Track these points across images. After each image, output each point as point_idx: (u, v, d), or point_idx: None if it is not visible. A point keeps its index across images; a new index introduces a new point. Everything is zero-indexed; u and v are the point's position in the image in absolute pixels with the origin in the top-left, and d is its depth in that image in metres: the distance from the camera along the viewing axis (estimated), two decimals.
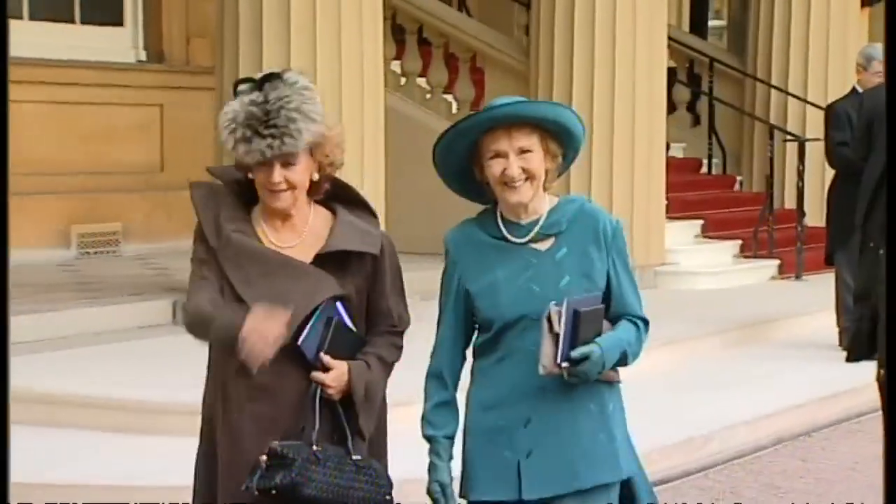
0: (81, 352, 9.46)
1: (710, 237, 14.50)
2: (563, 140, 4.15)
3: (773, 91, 15.18)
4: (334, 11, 10.45)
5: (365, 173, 10.69)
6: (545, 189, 4.14)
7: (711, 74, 15.88)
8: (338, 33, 10.51)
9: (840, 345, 10.77)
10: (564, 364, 3.85)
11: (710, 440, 8.78)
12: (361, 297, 4.24)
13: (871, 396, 9.86)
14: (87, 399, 8.41)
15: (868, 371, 10.22)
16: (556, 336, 3.84)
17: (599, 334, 3.99)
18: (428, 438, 4.20)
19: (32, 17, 12.34)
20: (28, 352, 8.95)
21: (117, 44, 13.07)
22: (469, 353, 4.36)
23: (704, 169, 15.73)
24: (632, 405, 8.61)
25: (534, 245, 4.12)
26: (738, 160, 15.97)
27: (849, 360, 8.53)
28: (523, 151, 4.03)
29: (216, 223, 4.11)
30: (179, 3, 13.08)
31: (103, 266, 12.00)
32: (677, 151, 15.14)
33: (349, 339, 4.11)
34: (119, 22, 12.98)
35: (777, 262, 14.22)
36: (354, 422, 4.14)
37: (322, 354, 4.03)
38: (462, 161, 4.15)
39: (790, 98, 14.93)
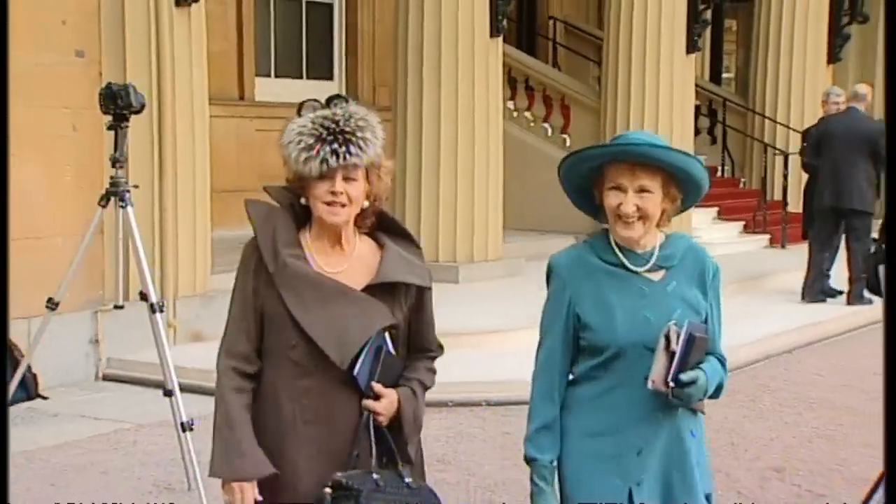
0: None
1: (722, 219, 14.33)
2: (686, 186, 3.09)
3: (766, 120, 15.05)
4: (470, 66, 10.48)
5: (489, 175, 10.74)
6: (658, 227, 3.11)
7: (724, 110, 15.72)
8: (472, 83, 10.54)
9: (808, 294, 10.81)
10: (672, 384, 2.94)
11: (727, 355, 8.73)
12: (405, 324, 3.19)
13: (831, 327, 10.08)
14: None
15: (826, 310, 10.46)
16: (672, 354, 2.94)
17: (701, 364, 3.03)
18: (531, 461, 3.14)
19: (277, 75, 12.51)
20: None
21: (329, 91, 13.21)
22: None
23: (719, 173, 15.38)
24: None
25: (647, 275, 3.09)
26: (742, 167, 15.77)
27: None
28: (643, 190, 3.00)
29: (274, 247, 3.05)
30: (368, 64, 13.15)
31: None
32: (702, 160, 14.91)
33: (394, 367, 3.12)
34: (330, 77, 13.06)
35: (768, 236, 14.08)
36: (403, 447, 3.14)
37: (374, 383, 3.06)
38: (584, 181, 3.14)
39: (778, 125, 14.85)
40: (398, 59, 10.78)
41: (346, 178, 3.00)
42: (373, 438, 3.05)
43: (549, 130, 13.61)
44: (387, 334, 3.11)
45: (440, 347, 3.31)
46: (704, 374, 3.00)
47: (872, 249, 4.44)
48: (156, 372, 5.80)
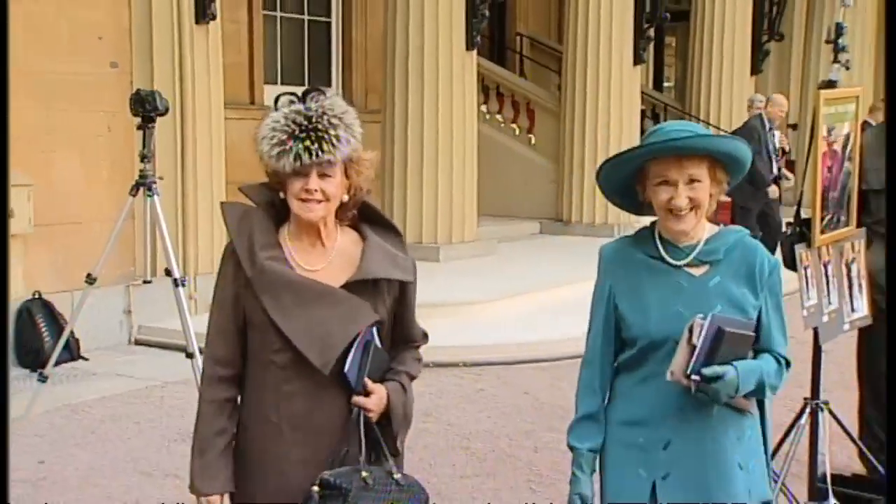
0: None
1: None
2: (731, 168, 2.65)
3: (701, 122, 14.76)
4: (449, 75, 10.47)
5: (465, 168, 10.73)
6: (706, 216, 2.66)
7: (665, 113, 15.70)
8: (451, 89, 10.53)
9: None
10: (694, 377, 2.49)
11: None
12: (389, 318, 2.71)
13: None
14: None
15: None
16: (693, 347, 2.51)
17: (738, 360, 2.56)
18: (572, 449, 2.78)
19: (282, 83, 12.44)
20: None
21: None
22: None
23: None
24: None
25: (688, 269, 2.65)
26: None
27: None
28: (692, 181, 2.58)
29: (250, 251, 2.58)
30: (361, 73, 13.12)
31: None
32: None
33: (381, 361, 2.67)
34: (328, 84, 13.00)
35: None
36: (391, 441, 2.70)
37: (365, 380, 2.61)
38: (625, 181, 2.70)
39: (710, 126, 14.71)
40: (387, 69, 10.79)
41: (322, 175, 2.54)
42: (363, 435, 2.60)
43: (517, 131, 13.62)
44: (374, 328, 2.64)
45: (424, 336, 2.85)
46: (735, 371, 2.50)
47: (788, 232, 4.42)
48: (179, 337, 5.82)
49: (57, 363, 6.01)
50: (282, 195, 2.60)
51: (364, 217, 2.72)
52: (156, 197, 5.44)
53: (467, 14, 10.67)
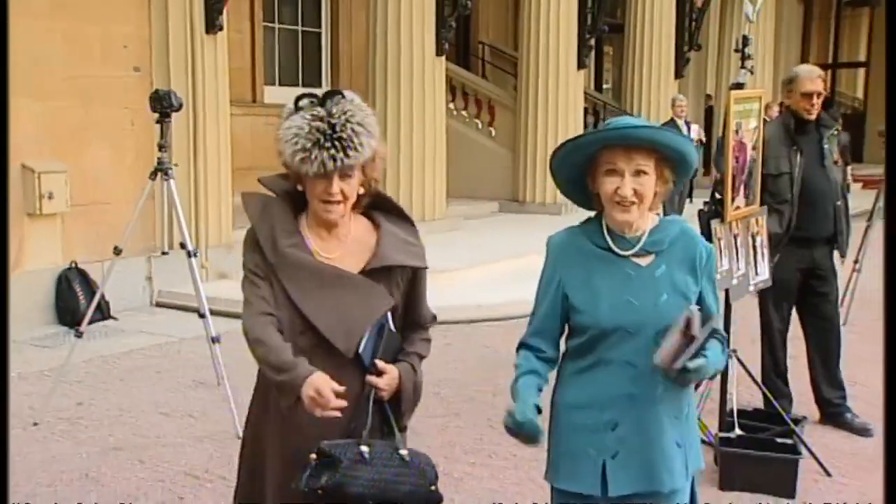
0: None
1: None
2: (677, 167, 2.35)
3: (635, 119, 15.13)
4: (421, 77, 10.39)
5: (436, 160, 10.66)
6: (650, 210, 2.37)
7: (605, 111, 15.62)
8: (423, 89, 10.45)
9: None
10: (681, 366, 2.20)
11: None
12: (401, 302, 2.47)
13: None
14: None
15: None
16: (690, 339, 2.19)
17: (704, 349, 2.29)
18: (513, 391, 2.40)
19: (280, 84, 12.38)
20: None
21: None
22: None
23: None
24: None
25: (635, 259, 2.35)
26: None
27: None
28: (639, 172, 2.28)
29: (272, 238, 2.34)
30: (347, 75, 13.03)
31: None
32: None
33: (393, 343, 2.43)
34: (319, 84, 12.89)
35: None
36: (399, 418, 2.45)
37: (377, 360, 2.37)
38: (577, 170, 2.38)
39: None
40: (368, 72, 10.70)
41: (343, 177, 2.29)
42: (370, 411, 2.34)
43: (480, 125, 13.56)
44: (388, 312, 2.41)
45: (433, 318, 2.56)
46: (706, 360, 2.24)
47: (705, 208, 4.46)
48: (193, 301, 5.80)
49: (91, 322, 5.95)
50: (299, 188, 2.36)
51: (377, 205, 2.47)
52: (172, 181, 5.39)
53: (437, 25, 10.61)
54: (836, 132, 4.89)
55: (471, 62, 16.59)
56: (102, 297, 6.39)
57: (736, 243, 4.48)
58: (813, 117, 4.75)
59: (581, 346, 2.39)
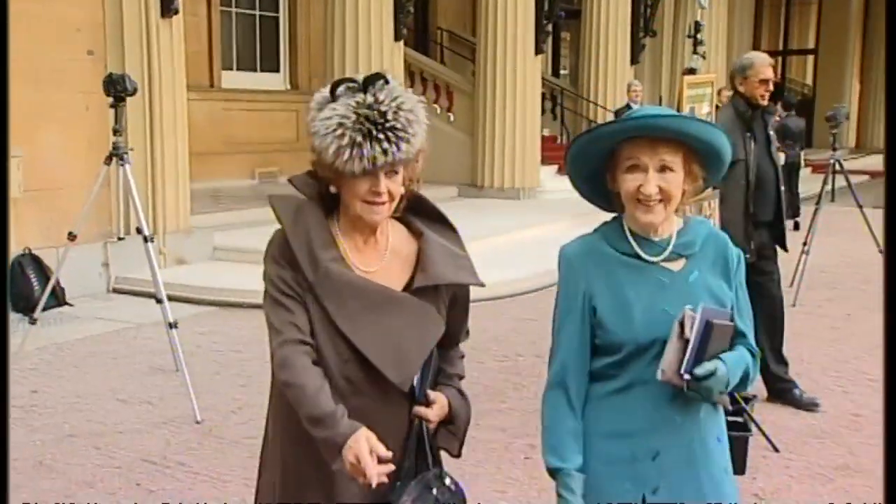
0: (262, 228, 9.52)
1: (560, 173, 13.90)
2: (708, 163, 2.03)
3: (590, 103, 15.08)
4: (380, 63, 10.06)
5: None
6: (677, 212, 2.07)
7: (562, 96, 15.73)
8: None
9: None
10: (686, 376, 1.93)
11: None
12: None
13: None
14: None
15: None
16: (685, 343, 1.93)
17: (722, 353, 2.00)
18: (555, 472, 2.04)
19: (238, 69, 12.23)
20: (239, 228, 8.98)
21: (276, 81, 12.92)
22: None
23: (559, 140, 15.28)
24: (521, 256, 8.76)
25: (665, 265, 2.04)
26: (574, 136, 15.73)
27: None
28: (664, 168, 1.97)
29: (310, 252, 1.96)
30: (305, 60, 12.87)
31: (270, 188, 11.96)
32: (546, 132, 14.75)
33: (434, 365, 2.09)
34: (277, 69, 12.78)
35: None
36: (457, 446, 2.14)
37: (427, 390, 2.06)
38: (595, 166, 2.05)
39: (598, 107, 14.90)
40: (327, 57, 10.60)
41: (390, 174, 1.93)
42: (428, 448, 2.04)
43: (438, 110, 13.47)
44: None
45: (467, 334, 2.22)
46: (724, 365, 1.95)
47: None
48: (150, 286, 5.70)
49: (45, 308, 5.92)
50: (332, 189, 1.97)
51: (414, 209, 2.08)
52: (127, 166, 5.31)
53: (395, 10, 10.54)
54: (777, 118, 5.04)
55: (429, 47, 16.53)
56: (57, 283, 6.29)
57: None
58: (765, 103, 4.83)
59: (612, 366, 2.03)
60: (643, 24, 15.66)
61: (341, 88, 1.93)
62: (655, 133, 1.96)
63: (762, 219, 4.93)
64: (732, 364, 1.98)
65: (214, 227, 8.77)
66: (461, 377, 2.18)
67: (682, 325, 1.94)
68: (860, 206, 7.74)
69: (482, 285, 2.06)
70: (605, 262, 2.04)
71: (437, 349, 2.08)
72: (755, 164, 4.81)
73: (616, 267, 2.03)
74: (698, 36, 4.58)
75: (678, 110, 4.45)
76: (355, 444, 1.86)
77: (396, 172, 1.94)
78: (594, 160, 2.04)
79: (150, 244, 5.19)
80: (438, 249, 2.04)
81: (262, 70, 12.75)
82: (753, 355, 2.08)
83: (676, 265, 2.04)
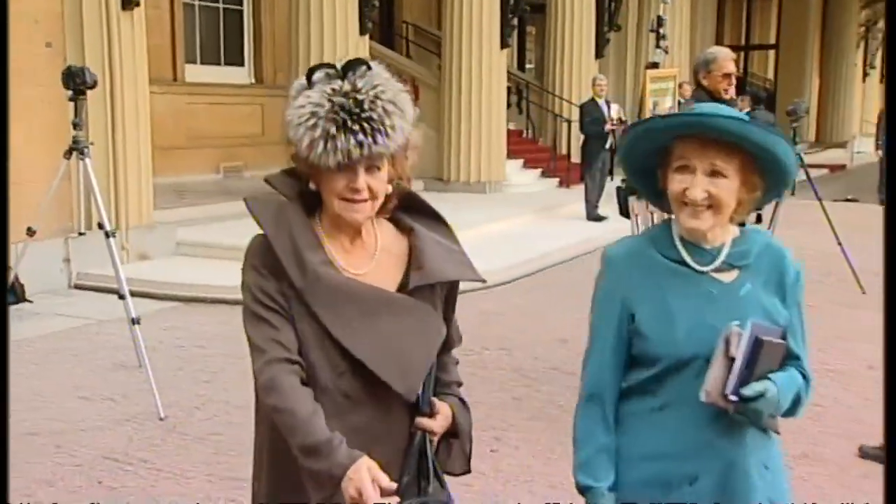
0: (226, 222, 9.29)
1: (527, 167, 14.34)
2: (769, 173, 1.84)
3: (555, 97, 15.10)
4: (345, 57, 10.20)
5: None
6: (732, 221, 1.89)
7: (528, 89, 15.75)
8: None
9: (588, 217, 11.12)
10: (733, 397, 1.76)
11: (535, 259, 8.84)
12: None
13: (601, 241, 10.34)
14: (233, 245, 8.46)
15: (594, 229, 10.72)
16: (731, 361, 1.76)
17: (772, 374, 1.82)
18: (586, 490, 1.89)
19: (202, 63, 12.11)
20: (203, 223, 8.96)
21: (241, 75, 12.81)
22: None
23: (524, 135, 15.40)
24: (488, 250, 8.77)
25: (715, 275, 1.87)
26: (540, 130, 15.68)
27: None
28: (715, 173, 1.80)
29: (297, 255, 1.77)
30: (270, 54, 12.77)
31: (235, 182, 11.85)
32: (512, 126, 14.81)
33: (432, 374, 1.90)
34: (242, 63, 12.68)
35: (558, 179, 14.10)
36: (463, 459, 1.97)
37: (431, 399, 1.88)
38: (648, 160, 1.89)
39: (563, 101, 14.92)
40: (292, 51, 10.51)
41: (369, 168, 1.75)
42: (430, 463, 1.86)
43: None
44: None
45: (460, 339, 2.03)
46: (774, 385, 1.78)
47: (623, 185, 4.54)
48: (112, 282, 5.64)
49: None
50: (312, 186, 1.81)
51: (403, 206, 1.92)
52: (87, 160, 5.23)
53: (360, 4, 10.46)
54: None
55: (395, 41, 16.46)
56: (17, 279, 6.19)
57: (653, 219, 4.55)
58: (728, 97, 4.88)
59: (649, 382, 1.87)
60: (608, 18, 15.73)
61: (318, 74, 1.76)
62: (709, 133, 1.78)
63: None
64: (783, 385, 1.80)
65: (178, 222, 8.69)
66: (459, 384, 2.00)
67: (727, 342, 1.77)
68: (820, 200, 7.83)
69: (483, 281, 1.91)
70: (650, 267, 1.88)
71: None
72: None
73: (662, 274, 1.87)
74: (661, 30, 4.65)
75: (641, 104, 4.48)
76: (356, 476, 1.67)
77: (378, 168, 1.77)
78: (648, 155, 1.89)
79: (111, 239, 5.12)
80: (432, 245, 1.87)
81: (226, 64, 12.63)
82: (807, 379, 1.89)
83: (727, 276, 1.87)
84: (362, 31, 10.60)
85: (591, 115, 11.29)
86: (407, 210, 1.92)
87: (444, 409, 1.90)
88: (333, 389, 1.78)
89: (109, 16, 7.73)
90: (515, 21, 13.68)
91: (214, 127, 11.72)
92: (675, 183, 1.82)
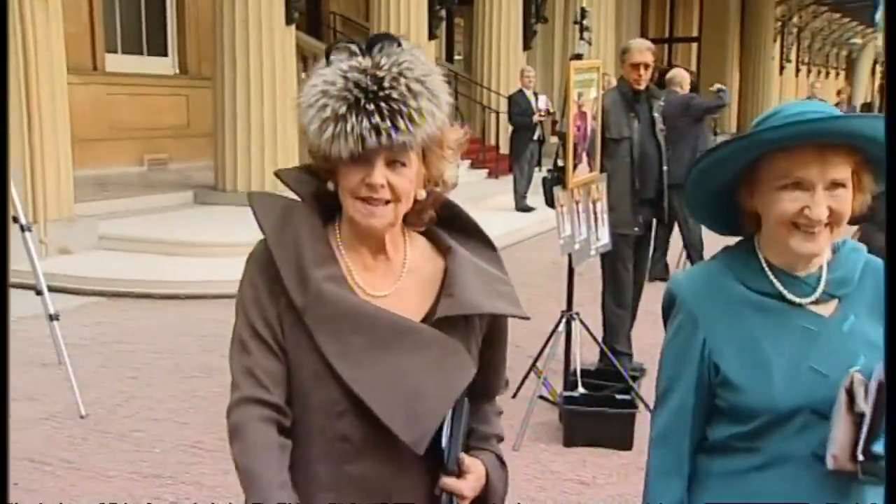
0: (151, 216, 9.24)
1: (472, 167, 14.18)
2: (882, 169, 1.50)
3: (484, 89, 15.15)
4: (271, 46, 10.02)
5: (286, 125, 10.15)
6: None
7: (456, 81, 15.52)
8: (273, 58, 10.11)
9: (516, 207, 11.20)
10: (861, 457, 1.44)
11: None
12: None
13: (529, 231, 10.44)
14: (156, 239, 8.28)
15: (523, 219, 10.80)
16: (860, 417, 1.45)
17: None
18: None
19: (123, 52, 11.83)
20: (127, 216, 8.78)
21: (165, 65, 12.57)
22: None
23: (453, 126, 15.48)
24: None
25: (813, 308, 1.55)
26: (469, 121, 15.35)
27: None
28: (835, 185, 1.48)
29: (299, 268, 1.45)
30: (194, 43, 12.53)
31: (159, 175, 11.69)
32: None
33: (466, 422, 1.54)
34: (165, 54, 12.42)
35: (487, 170, 14.19)
36: None
37: (460, 455, 1.50)
38: (726, 181, 1.56)
39: (492, 92, 14.97)
40: (216, 40, 10.25)
41: (391, 163, 1.43)
42: None
43: None
44: None
45: (506, 384, 1.72)
46: None
47: (549, 176, 4.56)
48: (29, 277, 5.44)
49: None
50: (330, 186, 1.50)
51: (441, 221, 1.59)
52: None
53: None
54: (662, 104, 5.23)
55: (322, 32, 16.29)
56: None
57: (578, 209, 4.58)
58: (641, 87, 5.03)
59: (741, 439, 1.54)
60: (535, 10, 15.84)
61: (338, 50, 1.46)
62: (828, 139, 1.45)
63: (646, 196, 5.11)
64: None
65: (100, 216, 8.48)
66: (500, 439, 1.65)
67: (850, 394, 1.46)
68: None
69: (527, 318, 1.55)
70: (732, 303, 1.55)
71: (470, 402, 1.54)
72: (639, 143, 5.02)
73: (747, 311, 1.54)
74: (584, 22, 4.68)
75: (565, 96, 4.50)
76: None
77: (403, 164, 1.44)
78: (726, 176, 1.54)
79: (27, 233, 4.95)
80: (470, 269, 1.54)
81: (148, 53, 12.37)
82: None
83: (827, 308, 1.55)
84: (288, 21, 10.44)
85: (519, 106, 11.35)
86: (447, 225, 1.59)
87: (475, 468, 1.53)
88: (330, 432, 1.46)
89: (22, 2, 7.48)
90: (444, 13, 13.68)
91: (137, 118, 11.48)
92: (785, 203, 1.48)
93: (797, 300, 1.54)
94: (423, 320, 1.50)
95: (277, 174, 1.55)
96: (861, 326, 1.54)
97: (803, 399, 1.49)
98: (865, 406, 1.45)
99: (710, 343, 1.55)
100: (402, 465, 1.47)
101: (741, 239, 1.61)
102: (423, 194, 1.49)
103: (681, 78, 8.16)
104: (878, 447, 1.42)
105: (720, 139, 8.48)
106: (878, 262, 1.60)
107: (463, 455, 1.51)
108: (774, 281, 1.55)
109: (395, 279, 1.53)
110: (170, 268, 7.47)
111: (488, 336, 1.58)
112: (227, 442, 1.46)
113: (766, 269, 1.56)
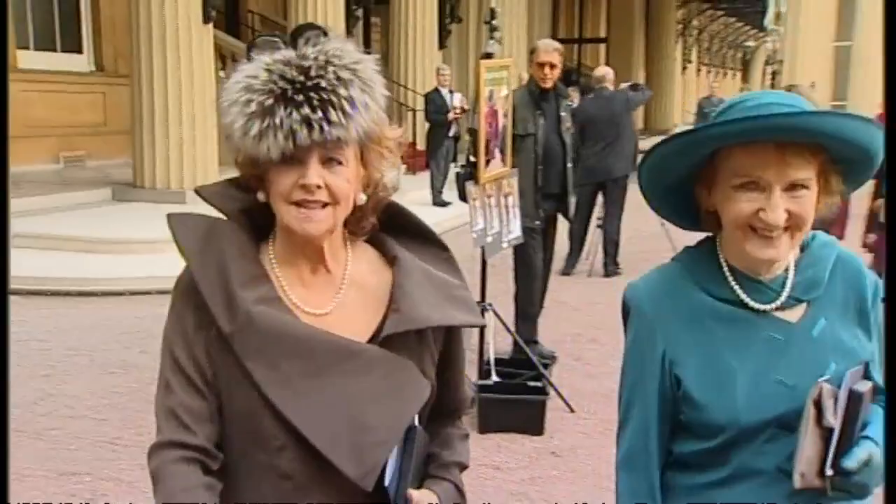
0: (67, 213, 9.04)
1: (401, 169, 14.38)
2: (851, 171, 1.35)
3: (401, 88, 15.04)
4: (188, 44, 9.78)
5: (206, 122, 9.97)
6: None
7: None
8: (190, 56, 9.85)
9: (433, 202, 11.18)
10: (829, 471, 1.30)
11: None
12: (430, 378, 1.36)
13: (447, 225, 10.43)
14: (73, 236, 8.11)
15: (439, 214, 10.82)
16: (828, 431, 1.30)
17: (865, 428, 1.33)
18: None
19: (35, 48, 11.42)
20: (41, 214, 8.53)
21: (80, 62, 12.18)
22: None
23: None
24: None
25: (779, 314, 1.38)
26: (395, 121, 15.65)
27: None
28: (796, 186, 1.29)
29: (226, 292, 1.25)
30: (110, 40, 12.17)
31: (76, 172, 11.33)
32: None
33: (422, 447, 1.35)
34: (80, 51, 12.04)
35: (405, 167, 13.45)
36: None
37: (409, 492, 1.30)
38: (682, 177, 1.39)
39: (409, 91, 14.93)
40: (132, 38, 10.00)
41: (327, 162, 1.27)
42: None
43: None
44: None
45: (473, 402, 1.44)
46: (876, 446, 1.33)
47: (462, 172, 4.60)
48: None
49: None
50: (261, 197, 1.32)
51: (387, 226, 1.42)
52: None
53: None
54: (570, 102, 5.40)
55: (240, 31, 16.01)
56: None
57: (490, 203, 4.61)
58: (548, 86, 5.14)
59: (707, 454, 1.41)
60: (449, 10, 15.92)
61: (259, 43, 1.29)
62: (788, 136, 1.28)
63: (550, 191, 5.22)
64: (881, 439, 1.33)
65: (15, 213, 8.16)
66: (463, 467, 1.45)
67: (818, 406, 1.32)
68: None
69: (483, 325, 1.45)
70: (692, 311, 1.40)
71: (429, 425, 1.39)
72: (543, 139, 5.12)
73: (709, 320, 1.39)
74: (494, 22, 4.75)
75: (477, 95, 4.53)
76: None
77: (340, 162, 1.27)
78: (681, 171, 1.39)
79: None
80: (420, 279, 1.36)
81: (63, 50, 11.96)
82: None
83: (794, 314, 1.40)
84: (206, 20, 10.23)
85: (435, 104, 11.39)
86: (395, 231, 1.42)
87: (428, 501, 1.34)
88: (270, 469, 1.29)
89: None
90: (360, 12, 13.64)
91: (53, 116, 11.10)
92: (741, 204, 1.33)
93: (760, 307, 1.39)
94: (371, 339, 1.32)
95: (198, 191, 1.36)
96: (832, 330, 1.40)
97: (769, 413, 1.36)
98: (834, 420, 1.32)
99: (671, 355, 1.40)
100: (346, 496, 1.29)
101: (703, 238, 1.46)
102: (363, 198, 1.33)
103: (611, 76, 8.34)
104: (850, 462, 1.30)
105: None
106: (850, 256, 1.46)
107: (412, 492, 1.33)
108: (736, 287, 1.39)
109: (336, 295, 1.34)
110: (87, 265, 7.28)
111: (445, 350, 1.40)
112: (146, 437, 1.32)
113: (728, 273, 1.41)
